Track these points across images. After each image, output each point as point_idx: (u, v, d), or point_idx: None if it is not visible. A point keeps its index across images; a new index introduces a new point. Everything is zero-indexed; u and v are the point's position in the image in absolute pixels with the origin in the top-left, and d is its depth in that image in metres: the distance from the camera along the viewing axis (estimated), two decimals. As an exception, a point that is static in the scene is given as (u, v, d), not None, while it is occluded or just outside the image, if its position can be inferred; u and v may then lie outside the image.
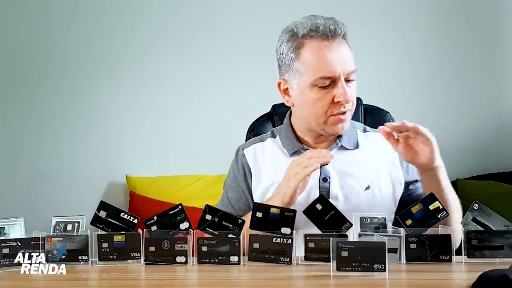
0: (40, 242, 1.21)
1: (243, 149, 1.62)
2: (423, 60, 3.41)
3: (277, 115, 1.80)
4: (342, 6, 3.33)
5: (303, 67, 1.46)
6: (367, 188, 1.50)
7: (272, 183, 1.52)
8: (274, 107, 1.82)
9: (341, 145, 1.54)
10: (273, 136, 1.63)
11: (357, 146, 1.56)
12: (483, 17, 3.41)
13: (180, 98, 3.41)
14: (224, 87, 3.40)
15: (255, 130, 1.81)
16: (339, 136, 1.55)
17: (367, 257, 1.07)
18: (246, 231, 1.25)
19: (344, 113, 1.47)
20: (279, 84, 1.55)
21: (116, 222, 1.23)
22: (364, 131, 1.61)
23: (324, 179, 1.50)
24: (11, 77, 3.42)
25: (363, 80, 2.93)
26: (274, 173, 1.54)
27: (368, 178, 1.51)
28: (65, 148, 3.40)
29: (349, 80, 1.47)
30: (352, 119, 1.63)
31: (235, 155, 1.64)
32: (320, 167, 1.42)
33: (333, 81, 1.44)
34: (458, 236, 1.26)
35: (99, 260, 1.22)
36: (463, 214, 1.25)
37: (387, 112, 1.83)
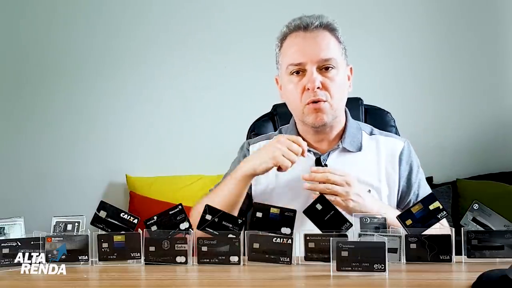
0: (40, 242, 1.20)
1: (249, 144, 1.63)
2: (423, 60, 3.41)
3: (277, 115, 1.80)
4: (342, 6, 3.33)
5: (281, 58, 1.52)
6: (368, 191, 1.48)
7: (273, 181, 1.53)
8: (275, 107, 1.82)
9: (343, 147, 1.53)
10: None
11: (360, 149, 1.54)
12: (483, 17, 3.42)
13: (181, 99, 3.42)
14: (225, 87, 3.40)
15: (256, 130, 1.80)
16: (341, 138, 1.54)
17: (367, 257, 1.07)
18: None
19: (317, 101, 1.45)
20: (276, 80, 1.58)
21: (116, 222, 1.23)
22: (371, 133, 1.59)
23: None
24: (12, 78, 3.43)
25: (363, 80, 2.95)
26: (276, 172, 1.53)
27: (369, 181, 1.50)
28: (66, 148, 3.40)
29: (326, 69, 1.46)
30: (352, 118, 1.62)
31: (240, 147, 1.65)
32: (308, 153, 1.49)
33: (304, 69, 1.46)
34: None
35: (99, 260, 1.22)
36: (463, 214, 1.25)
37: (387, 112, 1.82)
